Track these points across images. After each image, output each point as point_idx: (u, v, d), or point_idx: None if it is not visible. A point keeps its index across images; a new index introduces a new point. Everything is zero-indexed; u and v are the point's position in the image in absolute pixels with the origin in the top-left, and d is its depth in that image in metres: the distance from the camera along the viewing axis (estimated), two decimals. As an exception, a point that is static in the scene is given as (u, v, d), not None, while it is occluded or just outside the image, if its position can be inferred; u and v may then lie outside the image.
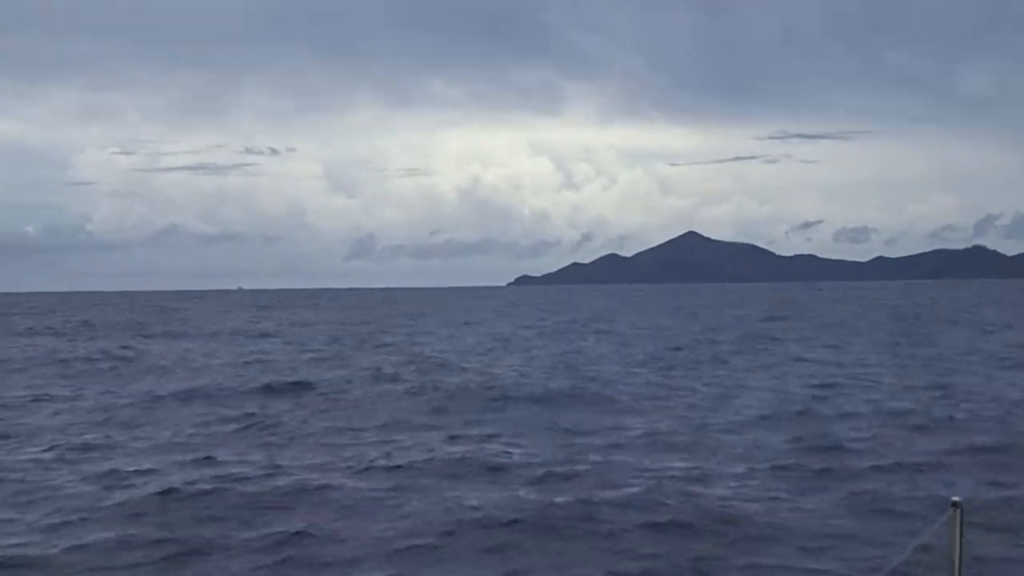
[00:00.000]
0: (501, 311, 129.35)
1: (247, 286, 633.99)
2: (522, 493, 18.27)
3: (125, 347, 58.98)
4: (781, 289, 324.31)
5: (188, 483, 19.26)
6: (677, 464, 20.90)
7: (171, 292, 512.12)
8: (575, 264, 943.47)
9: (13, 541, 15.63)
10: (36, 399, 33.84)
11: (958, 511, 5.63)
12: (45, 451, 23.49)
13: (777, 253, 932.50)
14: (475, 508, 17.07)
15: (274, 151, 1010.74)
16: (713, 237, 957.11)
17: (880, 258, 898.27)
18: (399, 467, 20.78)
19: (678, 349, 54.00)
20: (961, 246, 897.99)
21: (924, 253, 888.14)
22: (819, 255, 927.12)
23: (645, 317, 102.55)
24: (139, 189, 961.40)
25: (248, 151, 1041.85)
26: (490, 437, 24.54)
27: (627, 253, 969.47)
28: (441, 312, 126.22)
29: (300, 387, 35.41)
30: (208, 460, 21.84)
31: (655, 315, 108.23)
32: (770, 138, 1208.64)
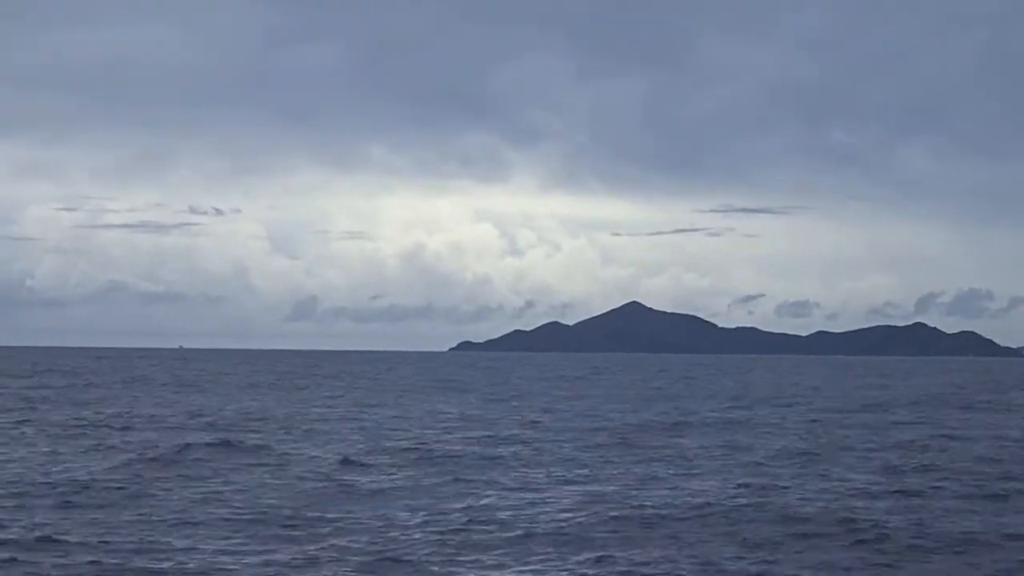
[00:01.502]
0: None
1: (188, 345, 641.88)
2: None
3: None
4: (723, 360, 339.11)
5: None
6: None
7: (112, 349, 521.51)
8: (517, 331, 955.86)
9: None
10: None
11: None
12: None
13: (719, 325, 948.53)
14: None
15: (218, 211, 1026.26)
16: (655, 308, 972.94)
17: (821, 332, 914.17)
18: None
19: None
20: (902, 323, 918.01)
21: (865, 328, 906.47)
22: (761, 328, 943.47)
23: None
24: (81, 246, 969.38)
25: (192, 211, 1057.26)
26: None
27: (569, 321, 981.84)
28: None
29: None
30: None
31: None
32: (712, 211, 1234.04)
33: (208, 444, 45.94)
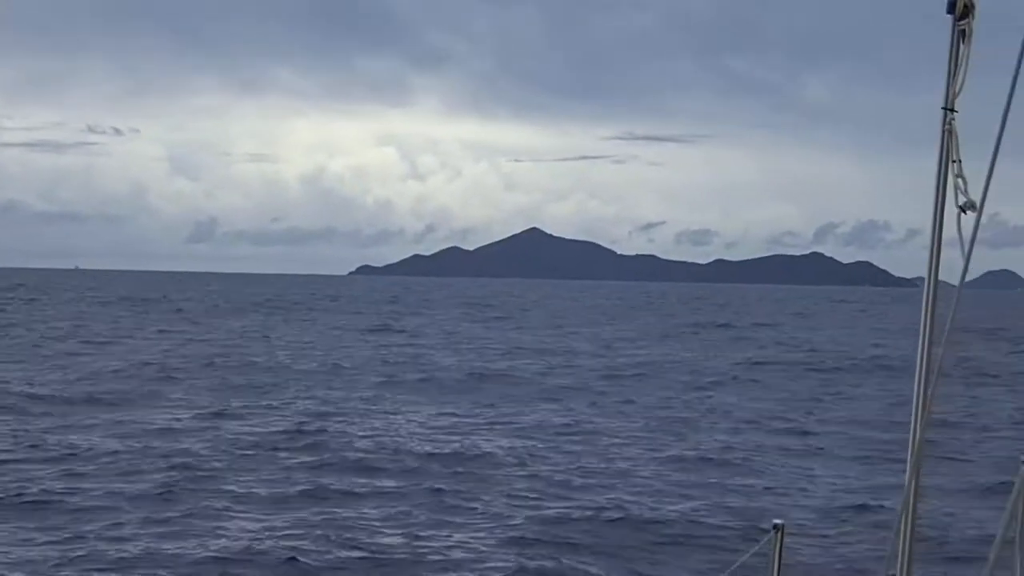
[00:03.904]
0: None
1: (84, 266, 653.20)
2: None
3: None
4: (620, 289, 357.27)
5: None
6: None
7: (7, 269, 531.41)
8: (417, 256, 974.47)
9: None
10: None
11: (779, 533, 5.89)
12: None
13: (619, 252, 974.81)
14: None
15: (117, 131, 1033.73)
16: (556, 234, 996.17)
17: (720, 260, 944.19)
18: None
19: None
20: (800, 251, 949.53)
21: (764, 257, 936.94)
22: (660, 256, 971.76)
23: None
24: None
25: (91, 130, 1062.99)
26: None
27: (469, 246, 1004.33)
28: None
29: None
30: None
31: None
32: (616, 138, 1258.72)
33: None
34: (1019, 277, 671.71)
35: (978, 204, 5.02)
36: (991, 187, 4.88)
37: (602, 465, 26.56)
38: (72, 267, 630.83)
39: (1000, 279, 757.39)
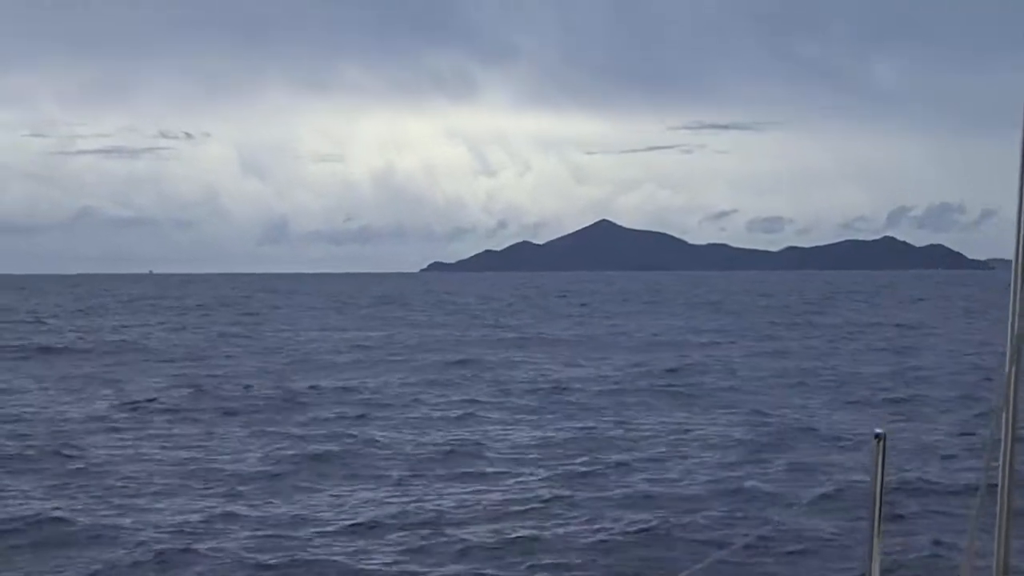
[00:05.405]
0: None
1: (158, 270, 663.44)
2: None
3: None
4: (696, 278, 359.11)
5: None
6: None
7: (83, 275, 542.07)
8: (488, 251, 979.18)
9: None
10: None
11: (881, 442, 5.94)
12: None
13: (690, 242, 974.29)
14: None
15: (188, 135, 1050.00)
16: (626, 226, 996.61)
17: (792, 247, 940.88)
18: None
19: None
20: (872, 236, 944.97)
21: (835, 243, 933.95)
22: (732, 244, 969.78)
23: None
24: (52, 173, 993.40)
25: (163, 135, 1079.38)
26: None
27: (540, 241, 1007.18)
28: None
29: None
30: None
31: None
32: (684, 128, 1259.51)
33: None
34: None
35: None
36: None
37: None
38: (147, 272, 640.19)
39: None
